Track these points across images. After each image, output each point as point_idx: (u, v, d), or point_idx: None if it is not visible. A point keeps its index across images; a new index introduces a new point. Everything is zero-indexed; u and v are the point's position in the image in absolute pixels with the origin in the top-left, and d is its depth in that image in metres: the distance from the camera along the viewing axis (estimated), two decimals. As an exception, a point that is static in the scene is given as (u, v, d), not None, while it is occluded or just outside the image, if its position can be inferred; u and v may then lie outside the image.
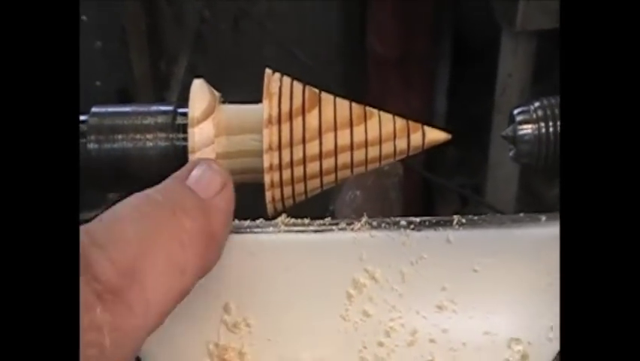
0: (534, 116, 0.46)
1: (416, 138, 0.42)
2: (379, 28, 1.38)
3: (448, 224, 0.40)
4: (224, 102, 0.45)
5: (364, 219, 0.41)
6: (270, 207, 0.43)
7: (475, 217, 0.40)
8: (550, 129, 0.45)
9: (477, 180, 1.42)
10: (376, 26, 1.38)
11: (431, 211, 1.45)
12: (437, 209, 1.47)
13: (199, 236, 0.35)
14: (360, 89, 1.42)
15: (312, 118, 0.41)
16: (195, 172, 0.38)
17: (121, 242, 0.32)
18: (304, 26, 1.44)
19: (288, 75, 0.43)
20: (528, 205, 1.35)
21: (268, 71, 0.43)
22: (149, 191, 0.36)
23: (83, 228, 0.33)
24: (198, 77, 0.44)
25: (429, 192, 1.49)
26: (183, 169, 0.39)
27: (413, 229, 0.40)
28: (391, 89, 1.43)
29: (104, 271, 0.31)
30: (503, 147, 1.36)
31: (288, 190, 0.42)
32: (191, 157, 0.42)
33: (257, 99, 0.43)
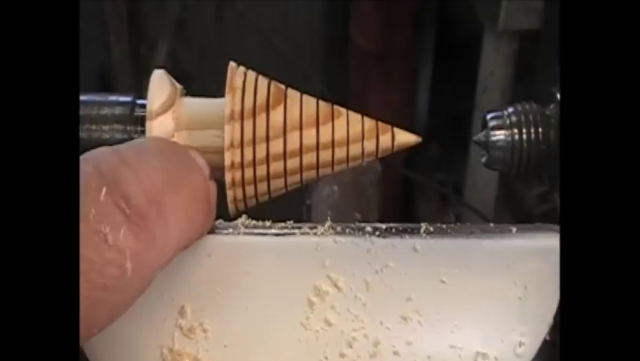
0: (507, 122, 0.44)
1: (385, 140, 0.40)
2: (362, 22, 1.37)
3: (415, 232, 0.38)
4: (186, 95, 0.42)
5: (328, 223, 0.39)
6: (231, 207, 0.41)
7: (444, 226, 0.38)
8: (524, 136, 0.44)
9: (457, 177, 1.41)
10: (359, 20, 1.37)
11: (410, 209, 1.44)
12: (416, 207, 1.45)
13: (204, 197, 0.36)
14: (341, 82, 1.41)
15: (277, 115, 0.39)
16: (193, 152, 0.38)
17: (150, 169, 0.33)
18: (287, 17, 1.42)
19: (254, 70, 0.41)
20: (507, 205, 1.34)
21: (232, 64, 0.41)
22: (164, 138, 0.38)
23: (110, 148, 0.33)
24: (159, 68, 0.42)
25: (408, 190, 1.47)
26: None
27: (379, 236, 0.38)
28: (373, 83, 1.41)
29: (135, 192, 0.31)
30: (483, 146, 1.33)
31: (250, 190, 0.40)
32: None
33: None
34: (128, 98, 0.42)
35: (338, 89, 1.37)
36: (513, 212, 1.36)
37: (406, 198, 1.47)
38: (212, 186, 0.38)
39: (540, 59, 1.27)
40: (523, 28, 1.11)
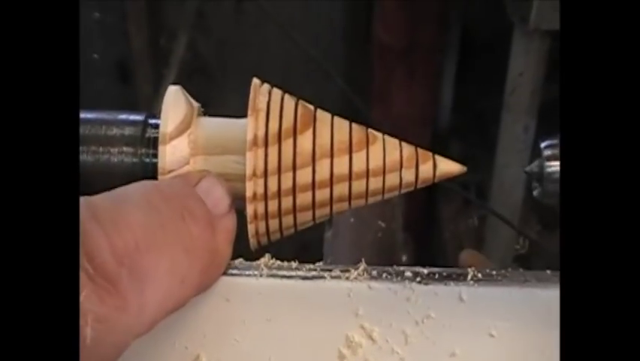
0: (565, 152, 0.39)
1: (426, 170, 0.36)
2: (385, 16, 1.33)
3: (460, 278, 0.34)
4: (204, 114, 0.38)
5: (362, 266, 0.34)
6: (252, 242, 0.37)
7: (494, 272, 0.34)
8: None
9: (481, 178, 1.37)
10: (382, 14, 1.33)
11: (433, 212, 1.40)
12: (439, 209, 1.41)
13: (203, 248, 0.32)
14: (363, 78, 1.37)
15: (305, 141, 0.35)
16: (205, 183, 0.35)
17: (124, 226, 0.29)
18: (307, 11, 1.38)
19: (280, 88, 0.37)
20: (534, 209, 1.30)
21: (256, 81, 0.37)
22: (158, 183, 0.34)
23: (85, 199, 0.30)
24: (175, 84, 0.38)
25: (431, 192, 1.43)
26: (191, 173, 0.35)
27: (420, 282, 0.34)
28: (396, 80, 1.38)
29: (100, 251, 0.28)
30: (511, 148, 1.30)
31: (274, 223, 0.36)
32: (162, 179, 0.36)
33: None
34: (139, 117, 0.38)
35: (359, 86, 1.33)
36: (540, 217, 1.31)
37: (429, 200, 1.43)
38: (224, 233, 0.34)
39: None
40: (554, 29, 1.07)
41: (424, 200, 1.42)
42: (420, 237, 1.32)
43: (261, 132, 0.35)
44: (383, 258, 0.98)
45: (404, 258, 1.07)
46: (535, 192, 0.41)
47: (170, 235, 0.31)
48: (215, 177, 0.35)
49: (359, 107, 1.23)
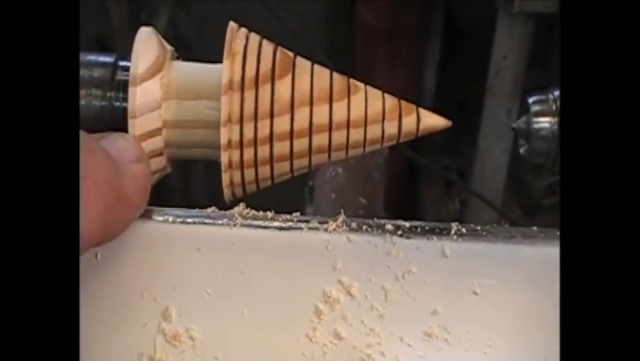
0: (553, 107, 0.38)
1: (409, 122, 0.34)
2: (370, -1, 1.31)
3: (444, 233, 0.32)
4: (177, 59, 0.36)
5: (341, 218, 0.33)
6: (226, 192, 0.35)
7: (478, 227, 0.32)
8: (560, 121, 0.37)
9: (463, 163, 1.36)
10: (367, -5, 1.32)
11: (414, 194, 1.39)
12: (421, 191, 1.41)
13: (105, 180, 0.30)
14: (346, 59, 1.35)
15: (283, 87, 0.33)
16: (109, 137, 0.33)
17: None
18: (292, -11, 1.36)
19: (257, 33, 0.35)
20: (515, 195, 1.30)
21: (232, 24, 0.35)
22: None
23: None
24: (147, 25, 0.36)
25: (413, 173, 1.42)
26: (94, 134, 0.33)
27: (401, 236, 0.32)
28: (379, 62, 1.37)
29: None
30: (494, 132, 1.29)
31: (250, 173, 0.34)
32: (132, 123, 0.34)
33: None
34: (109, 59, 0.36)
35: (342, 66, 1.31)
36: (521, 202, 1.30)
37: (411, 182, 1.42)
38: (131, 178, 0.32)
39: (556, 44, 1.22)
40: (538, 11, 1.07)
41: (407, 182, 1.41)
42: (401, 218, 1.31)
43: (237, 76, 0.33)
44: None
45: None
46: (521, 150, 0.39)
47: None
48: (121, 134, 0.34)
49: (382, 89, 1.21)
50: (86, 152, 0.30)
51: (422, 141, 1.38)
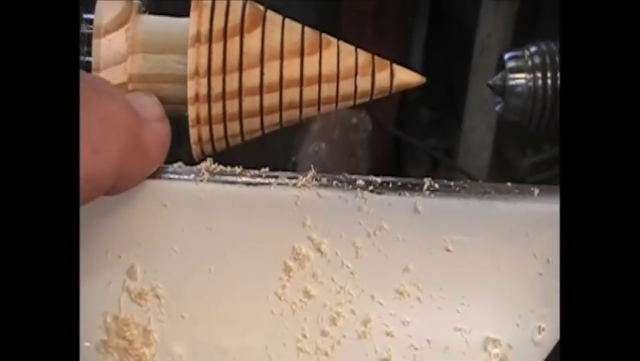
0: (529, 63, 0.37)
1: (382, 78, 0.33)
2: (355, -25, 1.30)
3: (416, 189, 0.31)
4: (145, 12, 0.35)
5: (311, 173, 0.32)
6: (195, 149, 0.34)
7: (452, 183, 0.31)
8: (549, 81, 0.37)
9: (449, 143, 1.36)
10: (353, -27, 1.30)
11: (400, 172, 1.38)
12: (406, 170, 1.40)
13: (124, 127, 0.30)
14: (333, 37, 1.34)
15: (253, 40, 0.32)
16: (133, 93, 0.33)
17: None
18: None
19: None
20: (500, 173, 1.30)
21: None
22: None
23: None
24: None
25: (398, 152, 1.42)
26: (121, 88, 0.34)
27: (372, 192, 0.31)
28: (364, 41, 1.34)
29: None
30: (478, 111, 1.28)
31: (218, 129, 0.33)
32: None
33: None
34: (73, 12, 0.34)
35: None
36: (506, 181, 1.30)
37: (396, 159, 1.42)
38: (151, 133, 0.31)
39: (541, 22, 1.21)
40: (524, -12, 1.06)
41: (392, 160, 1.40)
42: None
43: (205, 29, 0.32)
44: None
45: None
46: (497, 108, 0.38)
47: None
48: (145, 92, 0.33)
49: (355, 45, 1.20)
50: (108, 96, 0.29)
51: (408, 121, 1.38)
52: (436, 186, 0.31)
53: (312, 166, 0.99)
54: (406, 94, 1.40)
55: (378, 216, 0.32)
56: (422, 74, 0.35)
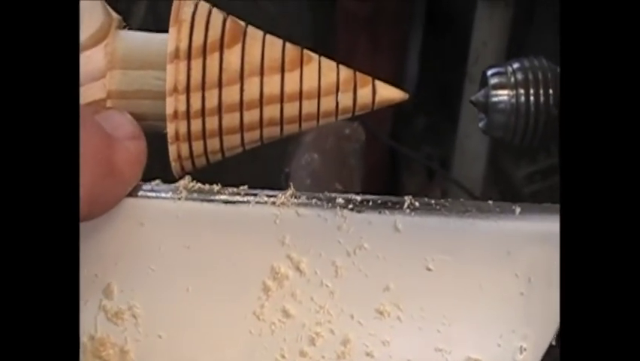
0: (512, 79, 0.37)
1: (364, 94, 0.33)
2: (351, -17, 1.30)
3: (397, 207, 0.31)
4: (125, 28, 0.35)
5: (290, 191, 0.31)
6: (174, 166, 0.34)
7: (432, 201, 0.31)
8: (531, 98, 0.36)
9: (445, 151, 1.35)
10: (348, -20, 1.30)
11: (395, 182, 1.37)
12: (401, 180, 1.39)
13: (94, 153, 0.30)
14: (328, 46, 1.33)
15: (233, 56, 0.32)
16: (106, 112, 0.33)
17: None
18: (274, -26, 1.34)
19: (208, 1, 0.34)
20: (495, 183, 1.29)
21: None
22: None
23: None
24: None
25: (393, 162, 1.41)
26: (92, 106, 0.33)
27: (352, 210, 0.31)
28: (360, 48, 1.35)
29: None
30: (473, 120, 1.28)
31: (198, 146, 0.33)
32: None
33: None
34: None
35: (324, 53, 1.30)
36: (500, 191, 1.30)
37: (391, 170, 1.41)
38: (124, 152, 0.31)
39: (535, 30, 1.21)
40: (518, -4, 1.06)
41: (387, 170, 1.40)
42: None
43: (184, 44, 0.32)
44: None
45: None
46: (480, 124, 0.38)
47: None
48: (119, 110, 0.33)
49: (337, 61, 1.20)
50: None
51: (403, 129, 1.38)
52: (417, 204, 0.31)
53: (305, 177, 0.97)
54: (402, 103, 1.40)
55: (358, 235, 0.31)
56: (404, 90, 0.35)
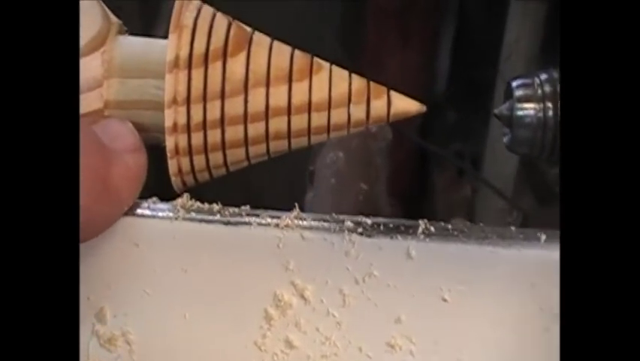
0: (539, 92, 0.34)
1: (379, 106, 0.30)
2: (381, -26, 1.28)
3: (410, 232, 0.29)
4: (126, 33, 0.33)
5: (295, 212, 0.29)
6: (175, 181, 0.32)
7: (449, 226, 0.28)
8: (560, 112, 0.33)
9: (476, 149, 1.32)
10: (379, -29, 1.28)
11: (423, 180, 1.35)
12: (431, 178, 1.37)
13: (87, 171, 0.27)
14: (357, 40, 1.31)
15: (237, 65, 0.30)
16: (104, 121, 0.31)
17: None
18: (301, -35, 1.32)
19: (211, 5, 0.32)
20: (528, 182, 1.26)
21: None
22: None
23: None
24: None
25: (421, 159, 1.38)
26: (90, 116, 0.31)
27: (361, 234, 0.29)
28: (389, 43, 1.32)
29: None
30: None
31: (200, 160, 0.31)
32: None
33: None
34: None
35: (353, 47, 1.28)
36: (534, 190, 1.26)
37: (419, 168, 1.38)
38: (121, 167, 0.29)
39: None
40: (553, -6, 1.03)
41: (414, 167, 1.37)
42: (409, 203, 1.27)
43: (184, 52, 0.30)
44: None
45: (390, 224, 1.03)
46: (504, 140, 0.35)
47: None
48: (119, 119, 0.31)
49: (349, 69, 1.18)
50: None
51: (433, 125, 1.35)
52: (432, 229, 0.29)
53: (330, 176, 0.95)
54: (432, 98, 1.38)
55: (368, 262, 0.29)
56: (422, 101, 0.32)
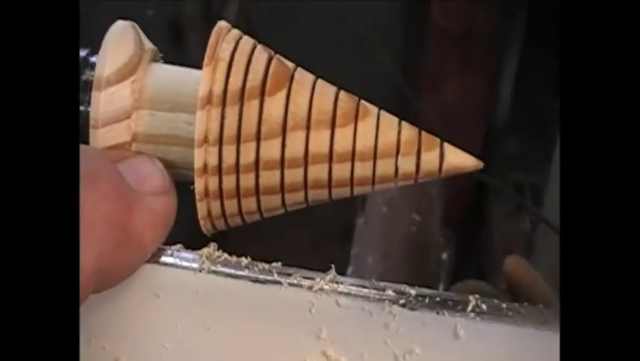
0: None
1: (430, 160, 0.27)
2: (444, -2, 1.25)
3: (459, 308, 0.25)
4: (161, 60, 0.30)
5: (331, 274, 0.26)
6: (204, 225, 0.29)
7: (503, 305, 0.25)
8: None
9: (537, 178, 1.27)
10: (441, -5, 1.25)
11: (479, 213, 1.30)
12: (488, 209, 1.32)
13: (106, 223, 0.25)
14: (417, 63, 1.28)
15: (275, 105, 0.27)
16: (132, 160, 0.28)
17: None
18: (365, -14, 1.30)
19: (252, 36, 0.29)
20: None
21: (221, 24, 0.29)
22: None
23: None
24: (124, 19, 0.30)
25: (479, 190, 1.34)
26: (121, 149, 0.29)
27: (404, 306, 0.25)
28: (450, 67, 1.30)
29: None
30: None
31: (231, 205, 0.28)
32: (94, 134, 0.28)
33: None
34: (80, 53, 0.30)
35: (412, 72, 1.25)
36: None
37: (476, 198, 1.34)
38: (146, 213, 0.27)
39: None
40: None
41: (471, 196, 1.33)
42: (464, 235, 1.23)
43: (219, 88, 0.27)
44: (417, 254, 0.90)
45: (444, 256, 0.99)
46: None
47: None
48: (149, 157, 0.28)
49: (407, 93, 1.14)
50: (87, 181, 0.25)
51: (493, 152, 1.31)
52: (484, 306, 0.25)
53: (381, 205, 0.93)
54: (493, 125, 1.33)
55: (409, 338, 0.26)
56: (480, 158, 0.29)
